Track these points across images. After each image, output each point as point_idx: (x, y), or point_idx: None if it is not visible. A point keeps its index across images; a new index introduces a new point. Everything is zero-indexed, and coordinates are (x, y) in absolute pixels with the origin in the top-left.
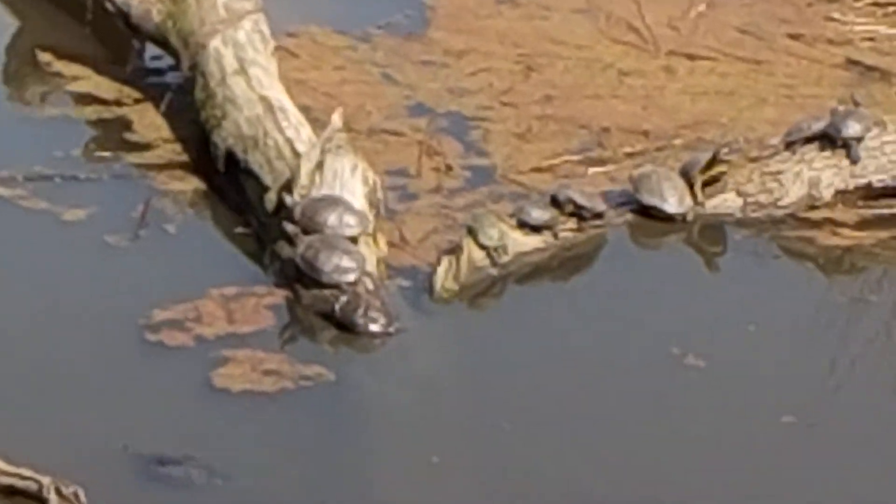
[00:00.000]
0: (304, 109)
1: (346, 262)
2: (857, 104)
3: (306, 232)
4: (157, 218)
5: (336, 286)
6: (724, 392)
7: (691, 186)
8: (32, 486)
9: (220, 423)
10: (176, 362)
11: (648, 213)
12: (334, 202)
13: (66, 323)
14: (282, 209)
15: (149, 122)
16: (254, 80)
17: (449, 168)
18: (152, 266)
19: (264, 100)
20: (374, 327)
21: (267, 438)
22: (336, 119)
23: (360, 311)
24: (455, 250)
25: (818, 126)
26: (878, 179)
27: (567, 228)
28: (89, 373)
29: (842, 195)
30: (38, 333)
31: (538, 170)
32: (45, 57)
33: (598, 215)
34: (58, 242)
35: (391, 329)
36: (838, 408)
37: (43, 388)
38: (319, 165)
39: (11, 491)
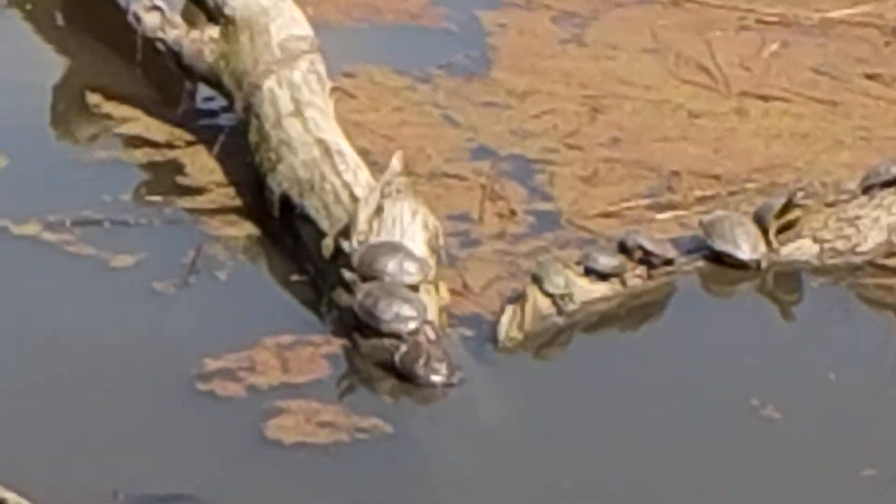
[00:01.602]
0: (363, 152)
1: (407, 311)
2: None
3: (365, 279)
4: (208, 265)
5: (396, 335)
6: (804, 444)
7: (765, 232)
8: None
9: (270, 475)
10: (227, 413)
11: (720, 260)
12: (394, 248)
13: (113, 373)
14: (339, 256)
15: (201, 166)
16: (310, 123)
17: (513, 213)
18: (204, 314)
19: (321, 142)
20: (435, 378)
21: (316, 491)
22: (395, 162)
23: (421, 362)
24: (519, 298)
25: None
26: None
27: (636, 276)
28: (137, 423)
29: None
30: (83, 384)
31: (605, 215)
32: (94, 98)
33: (668, 262)
34: (104, 289)
35: (453, 380)
36: None
37: (89, 438)
38: (378, 210)
39: None
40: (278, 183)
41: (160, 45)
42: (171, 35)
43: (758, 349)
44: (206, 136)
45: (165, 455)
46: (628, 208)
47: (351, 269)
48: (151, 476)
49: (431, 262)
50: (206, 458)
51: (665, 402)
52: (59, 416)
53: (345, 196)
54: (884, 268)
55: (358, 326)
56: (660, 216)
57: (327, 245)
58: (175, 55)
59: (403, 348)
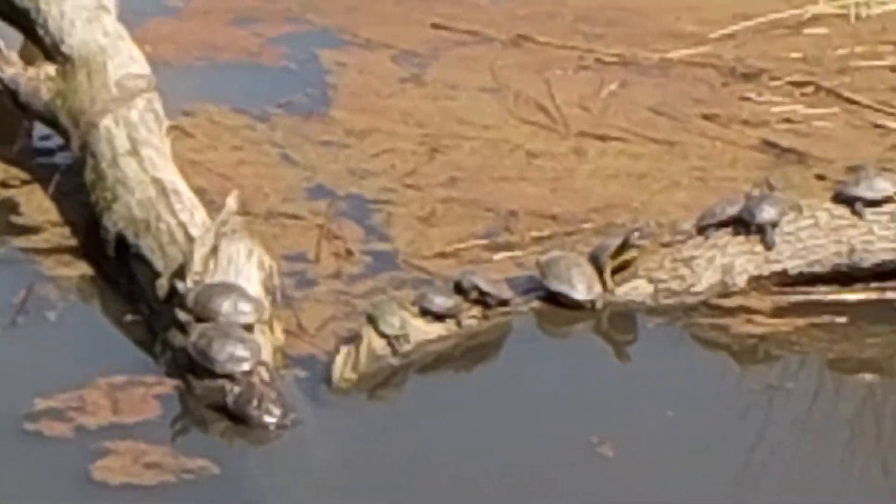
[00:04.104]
0: (199, 192)
1: (241, 352)
2: (772, 188)
3: (199, 319)
4: (39, 305)
5: (229, 376)
6: (640, 482)
7: (601, 273)
8: None
9: None
10: (54, 453)
11: (556, 300)
12: (228, 289)
13: None
14: (174, 296)
15: (36, 205)
16: (146, 162)
17: (349, 253)
18: (35, 354)
19: (157, 182)
20: (268, 419)
21: None
22: (231, 202)
23: (255, 403)
24: (354, 339)
25: (732, 210)
26: (793, 265)
27: (471, 316)
28: None
29: (756, 282)
30: None
31: (442, 255)
32: None
33: (504, 302)
34: None
35: (287, 421)
36: (754, 498)
37: None
38: (214, 250)
39: None
40: (114, 222)
41: None
42: (8, 72)
43: (593, 389)
44: (41, 175)
45: None
46: (465, 248)
47: (185, 309)
48: None
49: (266, 302)
50: (30, 498)
51: (500, 441)
52: None
53: (180, 236)
54: (718, 308)
55: (192, 367)
56: (496, 256)
57: (162, 285)
58: (11, 93)
59: (237, 389)
